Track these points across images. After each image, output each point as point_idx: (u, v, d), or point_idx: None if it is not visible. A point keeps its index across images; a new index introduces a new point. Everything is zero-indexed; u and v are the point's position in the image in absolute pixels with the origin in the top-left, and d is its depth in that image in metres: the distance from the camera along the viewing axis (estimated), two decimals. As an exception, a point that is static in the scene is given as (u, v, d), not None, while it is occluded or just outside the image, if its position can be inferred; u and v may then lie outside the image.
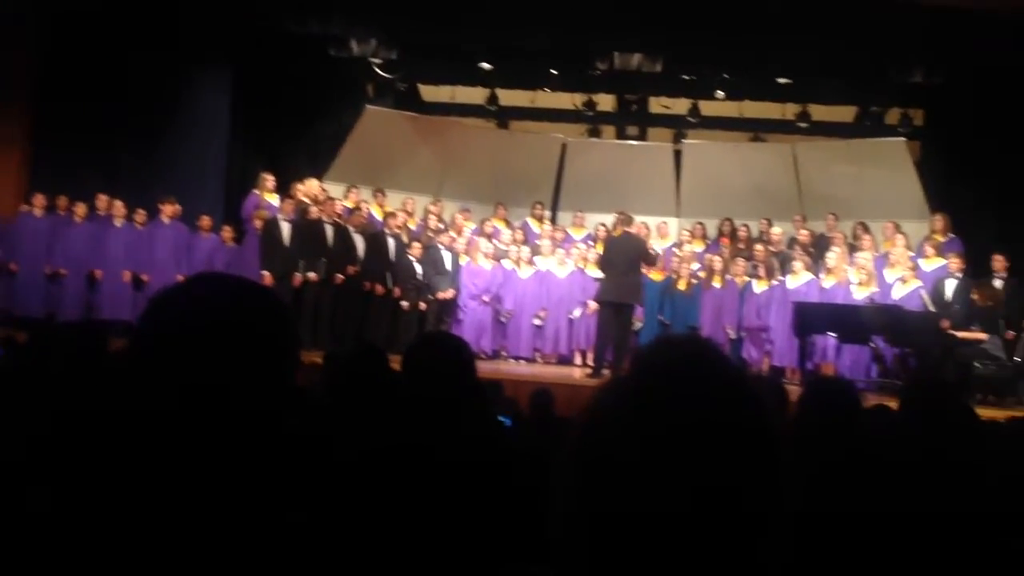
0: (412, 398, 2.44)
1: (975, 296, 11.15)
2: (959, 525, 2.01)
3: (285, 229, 12.04)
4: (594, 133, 16.34)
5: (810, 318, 11.26)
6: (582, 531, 0.99)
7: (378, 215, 13.56)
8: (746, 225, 13.64)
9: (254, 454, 1.17)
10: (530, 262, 13.48)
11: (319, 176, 13.65)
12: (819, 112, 14.88)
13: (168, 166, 13.19)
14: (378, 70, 14.04)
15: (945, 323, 11.00)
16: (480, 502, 2.05)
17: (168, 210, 12.54)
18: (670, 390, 0.98)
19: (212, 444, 1.16)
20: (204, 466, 1.15)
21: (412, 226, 13.67)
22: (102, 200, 12.43)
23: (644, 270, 11.86)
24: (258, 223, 12.27)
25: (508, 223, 14.42)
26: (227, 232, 12.79)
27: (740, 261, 12.76)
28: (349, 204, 13.24)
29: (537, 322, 13.36)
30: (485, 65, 14.13)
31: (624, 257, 11.17)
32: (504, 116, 16.25)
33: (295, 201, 12.44)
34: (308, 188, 12.94)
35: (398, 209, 13.58)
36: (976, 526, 2.14)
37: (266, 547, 1.14)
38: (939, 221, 12.66)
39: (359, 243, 12.48)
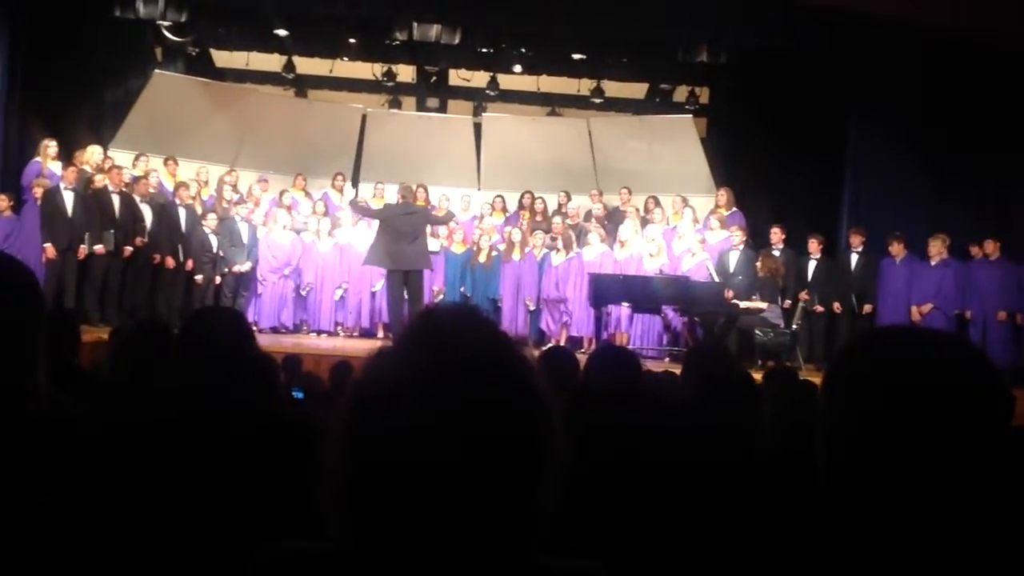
0: (186, 373, 2.39)
1: (759, 266, 11.80)
2: (727, 474, 2.16)
3: (68, 199, 11.41)
4: (394, 104, 16.23)
5: (604, 289, 11.65)
6: (353, 494, 1.01)
7: (169, 184, 13.04)
8: (542, 198, 13.90)
9: None
10: (330, 234, 13.31)
11: (105, 143, 12.98)
12: (612, 88, 15.28)
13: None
14: (167, 33, 13.44)
15: (729, 293, 11.61)
16: (244, 475, 2.04)
17: (-62, 178, 11.67)
18: (437, 356, 1.01)
19: None
20: None
21: (205, 196, 13.23)
22: None
23: (442, 239, 11.92)
24: (38, 192, 11.58)
25: (308, 194, 14.18)
26: (2, 201, 12.00)
27: (539, 234, 13.02)
28: (138, 173, 12.66)
29: (338, 295, 13.23)
30: (281, 32, 13.76)
31: (403, 225, 11.37)
32: (302, 85, 15.89)
33: (78, 169, 11.81)
34: (90, 156, 12.30)
35: (190, 179, 13.11)
36: (744, 475, 2.31)
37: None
38: (723, 195, 13.29)
39: (147, 214, 11.98)
